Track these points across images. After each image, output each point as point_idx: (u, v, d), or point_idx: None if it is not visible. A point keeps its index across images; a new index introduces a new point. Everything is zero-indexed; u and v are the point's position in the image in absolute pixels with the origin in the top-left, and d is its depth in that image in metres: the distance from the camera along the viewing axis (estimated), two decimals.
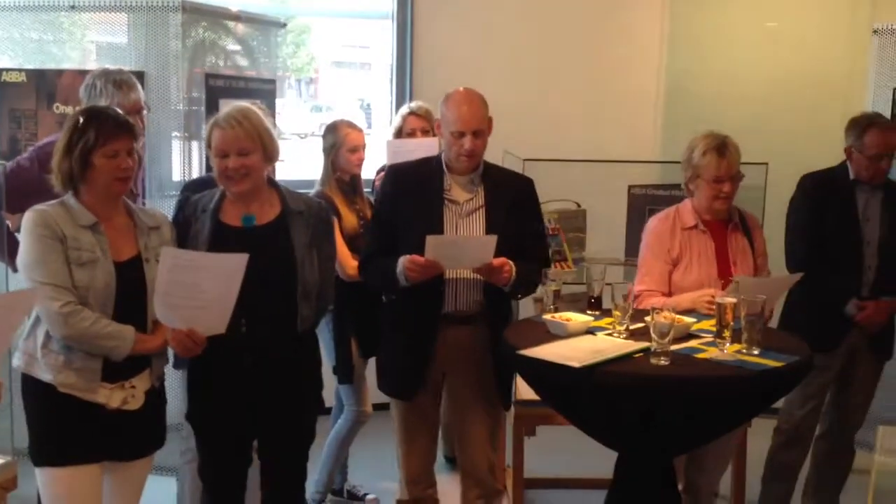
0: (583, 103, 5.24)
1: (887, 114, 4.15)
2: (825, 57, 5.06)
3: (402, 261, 2.98)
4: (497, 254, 2.96)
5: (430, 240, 2.91)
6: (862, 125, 3.62)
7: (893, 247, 3.65)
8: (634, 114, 5.21)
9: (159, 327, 2.69)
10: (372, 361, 3.95)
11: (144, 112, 3.56)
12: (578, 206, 4.16)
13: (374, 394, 3.95)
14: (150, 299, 2.64)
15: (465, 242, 3.03)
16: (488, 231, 3.06)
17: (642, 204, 4.08)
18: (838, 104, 4.50)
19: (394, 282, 3.04)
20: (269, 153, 2.86)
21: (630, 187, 4.19)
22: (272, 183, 2.94)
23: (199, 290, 2.58)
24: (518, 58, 5.27)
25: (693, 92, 5.17)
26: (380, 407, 4.04)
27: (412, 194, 3.13)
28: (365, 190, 4.04)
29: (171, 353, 2.82)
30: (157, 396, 2.80)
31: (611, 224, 4.17)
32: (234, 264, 2.59)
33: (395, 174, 3.25)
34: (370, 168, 4.12)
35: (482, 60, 5.16)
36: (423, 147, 3.81)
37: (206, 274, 2.58)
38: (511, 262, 3.00)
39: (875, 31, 4.36)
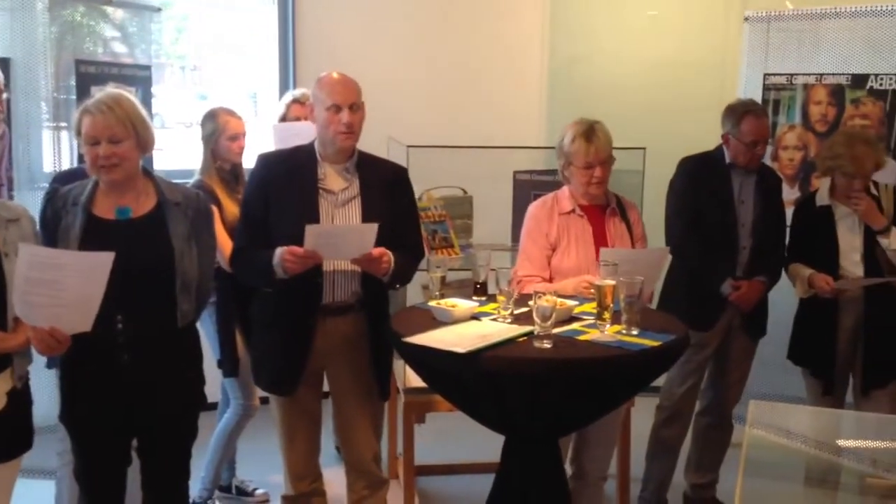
0: (468, 90, 5.27)
1: (758, 98, 4.29)
2: (701, 44, 5.20)
3: (280, 252, 2.91)
4: (374, 243, 2.93)
5: (310, 229, 2.85)
6: (738, 113, 3.71)
7: (766, 228, 3.78)
8: (519, 100, 5.26)
9: (21, 325, 2.56)
10: None
11: (4, 96, 3.39)
12: (465, 192, 4.17)
13: None
14: (11, 296, 2.51)
15: (345, 232, 2.98)
16: (365, 220, 3.02)
17: (528, 189, 4.11)
18: (714, 89, 4.64)
19: (270, 274, 2.95)
20: (143, 142, 2.75)
21: (515, 173, 4.22)
22: (147, 173, 2.84)
23: (61, 288, 2.45)
24: (402, 44, 5.25)
25: (576, 78, 5.25)
26: (268, 400, 3.97)
27: (285, 184, 3.05)
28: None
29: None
30: (20, 397, 2.67)
31: (497, 210, 4.20)
32: (98, 262, 2.47)
33: (266, 163, 3.14)
34: (253, 156, 4.04)
35: (365, 47, 5.12)
36: (310, 130, 3.75)
37: (68, 272, 2.45)
38: (390, 252, 2.97)
39: (746, 19, 4.50)
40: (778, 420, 3.15)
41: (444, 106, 5.15)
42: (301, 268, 2.90)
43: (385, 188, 3.10)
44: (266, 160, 3.17)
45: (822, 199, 3.75)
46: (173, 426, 2.86)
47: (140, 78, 4.39)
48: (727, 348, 3.90)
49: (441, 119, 4.98)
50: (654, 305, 3.69)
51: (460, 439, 4.17)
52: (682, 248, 3.77)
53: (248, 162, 3.94)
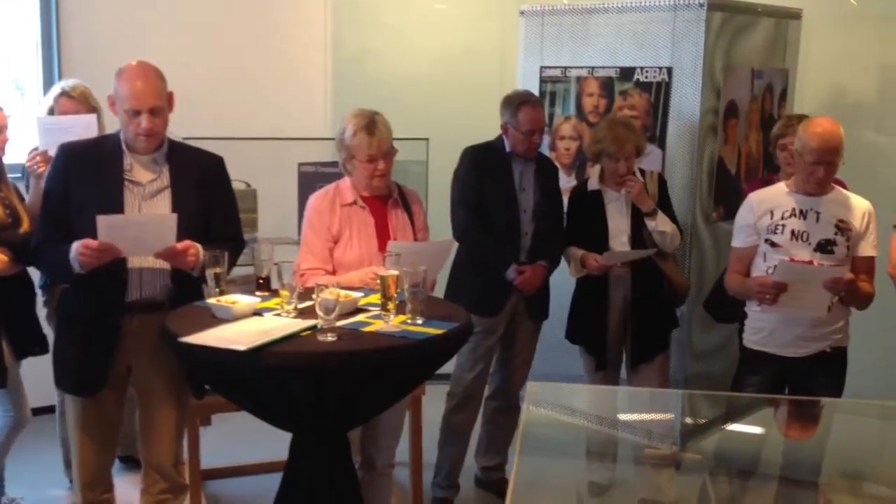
0: (249, 80, 5.10)
1: (536, 89, 4.44)
2: (482, 37, 5.32)
3: (75, 246, 2.77)
4: (185, 235, 2.83)
5: (102, 220, 2.72)
6: (515, 103, 3.83)
7: (545, 214, 3.92)
8: (303, 91, 5.16)
9: None
10: (28, 362, 3.65)
11: None
12: (248, 185, 4.07)
13: (33, 397, 3.65)
14: None
15: (141, 223, 2.86)
16: (175, 212, 2.90)
17: (313, 181, 4.07)
18: (495, 81, 4.74)
19: (68, 269, 2.81)
20: None
21: (300, 165, 4.17)
22: None
23: None
24: (176, 30, 5.00)
25: (362, 70, 5.23)
26: (40, 411, 3.72)
27: (89, 175, 2.90)
28: (12, 175, 3.68)
29: None
30: None
31: (282, 203, 4.13)
32: None
33: (68, 153, 2.97)
34: (15, 150, 3.77)
35: (137, 34, 4.83)
36: (79, 124, 3.53)
37: None
38: (198, 245, 2.88)
39: (522, 13, 4.63)
40: (562, 399, 3.29)
41: (224, 97, 4.95)
42: (97, 261, 2.78)
43: (198, 179, 3.00)
44: (67, 151, 2.99)
45: (593, 184, 3.94)
46: None
47: None
48: (513, 332, 4.01)
49: (220, 110, 4.78)
50: (441, 294, 3.75)
51: (250, 439, 4.06)
52: (467, 235, 3.86)
53: (10, 156, 3.66)
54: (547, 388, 3.27)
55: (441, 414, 4.07)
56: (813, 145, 3.22)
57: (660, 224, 3.81)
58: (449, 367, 3.89)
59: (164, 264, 2.92)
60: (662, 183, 3.99)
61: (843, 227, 3.28)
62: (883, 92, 5.27)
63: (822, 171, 3.23)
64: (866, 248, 3.32)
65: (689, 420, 3.41)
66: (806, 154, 3.25)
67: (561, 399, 3.26)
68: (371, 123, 3.18)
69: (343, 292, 2.82)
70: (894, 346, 3.74)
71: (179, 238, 2.85)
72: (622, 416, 3.41)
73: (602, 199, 3.89)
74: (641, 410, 3.52)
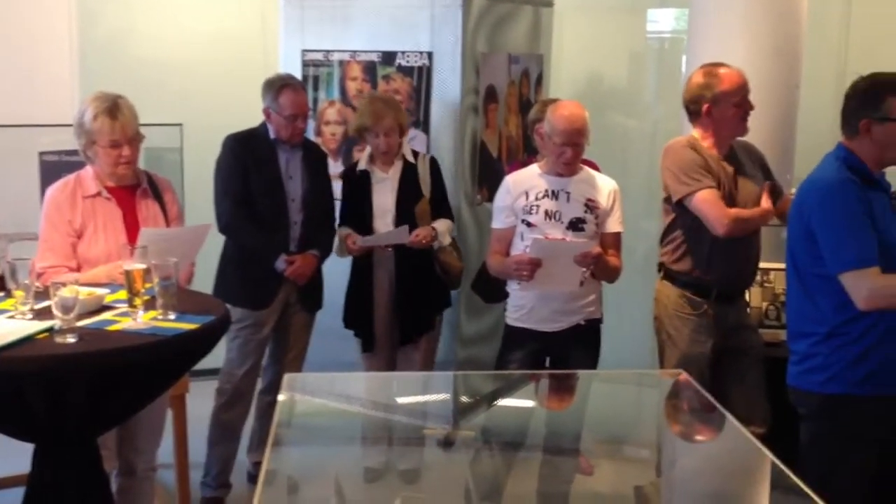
0: None
1: (298, 74, 4.35)
2: (241, 19, 5.17)
3: None
4: None
5: None
6: (276, 87, 3.74)
7: (315, 202, 3.86)
8: (47, 73, 4.77)
9: None
10: None
11: None
12: None
13: None
14: None
15: None
16: None
17: (56, 171, 3.78)
18: (257, 66, 4.61)
19: None
20: None
21: (42, 154, 3.89)
22: None
23: None
24: None
25: (113, 54, 4.93)
26: None
27: None
28: None
29: None
30: None
31: (22, 194, 3.82)
32: None
33: None
34: None
35: None
36: None
37: None
38: None
39: None
40: (323, 387, 3.24)
41: None
42: None
43: None
44: None
45: (362, 164, 3.95)
46: None
47: None
48: (286, 324, 3.94)
49: None
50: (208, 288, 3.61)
51: None
52: (232, 227, 3.76)
53: None
54: (306, 378, 3.22)
55: (208, 411, 3.92)
56: (560, 128, 3.35)
57: (444, 238, 3.88)
58: (217, 362, 3.76)
59: None
60: (436, 168, 4.01)
61: (591, 206, 3.44)
62: (632, 78, 5.61)
63: (570, 152, 3.37)
64: (613, 225, 3.49)
65: (462, 399, 3.47)
66: (554, 136, 3.37)
67: (322, 387, 3.22)
68: (114, 107, 2.99)
69: (85, 290, 2.64)
70: (645, 318, 3.96)
71: None
72: (400, 400, 3.41)
73: (370, 179, 3.88)
74: (416, 393, 3.54)
